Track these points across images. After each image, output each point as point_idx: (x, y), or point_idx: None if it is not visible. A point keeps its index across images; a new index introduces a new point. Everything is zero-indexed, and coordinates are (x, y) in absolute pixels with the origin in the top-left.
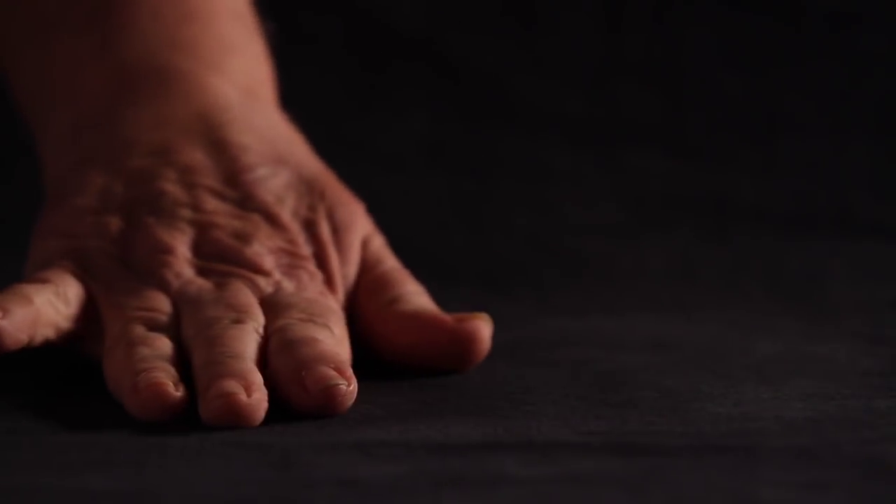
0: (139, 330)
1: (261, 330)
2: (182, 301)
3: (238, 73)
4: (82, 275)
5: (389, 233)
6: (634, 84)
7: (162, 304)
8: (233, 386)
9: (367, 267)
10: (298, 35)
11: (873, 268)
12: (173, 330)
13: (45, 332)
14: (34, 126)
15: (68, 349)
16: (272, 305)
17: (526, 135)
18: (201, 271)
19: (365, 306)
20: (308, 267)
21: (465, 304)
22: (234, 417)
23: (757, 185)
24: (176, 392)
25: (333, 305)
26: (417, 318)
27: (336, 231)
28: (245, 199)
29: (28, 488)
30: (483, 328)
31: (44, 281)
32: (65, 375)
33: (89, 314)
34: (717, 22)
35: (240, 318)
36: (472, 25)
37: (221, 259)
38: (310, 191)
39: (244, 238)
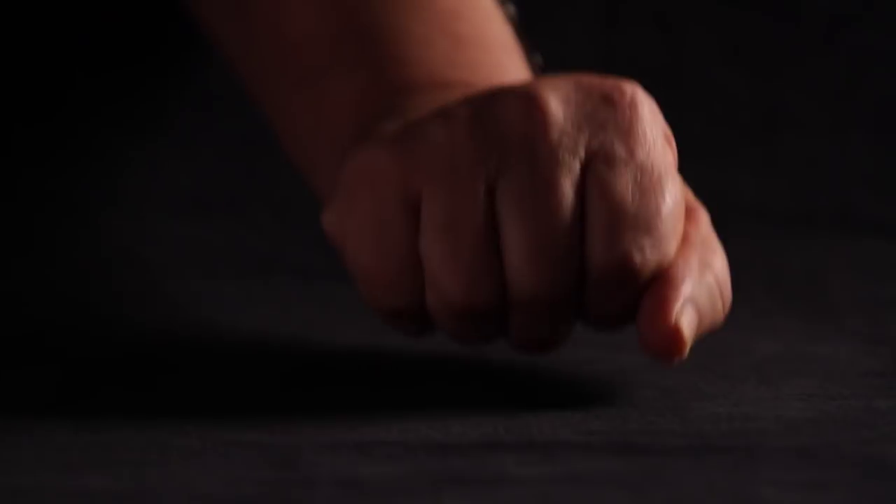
0: None
1: None
2: None
3: None
4: None
5: None
6: None
7: None
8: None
9: None
10: None
11: (874, 266)
12: None
13: None
14: (307, 167)
15: (70, 350)
16: None
17: None
18: None
19: None
20: None
21: None
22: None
23: (757, 183)
24: None
25: None
26: None
27: None
28: None
29: (28, 488)
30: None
31: None
32: (65, 376)
33: None
34: (716, 21)
35: None
36: None
37: None
38: None
39: None
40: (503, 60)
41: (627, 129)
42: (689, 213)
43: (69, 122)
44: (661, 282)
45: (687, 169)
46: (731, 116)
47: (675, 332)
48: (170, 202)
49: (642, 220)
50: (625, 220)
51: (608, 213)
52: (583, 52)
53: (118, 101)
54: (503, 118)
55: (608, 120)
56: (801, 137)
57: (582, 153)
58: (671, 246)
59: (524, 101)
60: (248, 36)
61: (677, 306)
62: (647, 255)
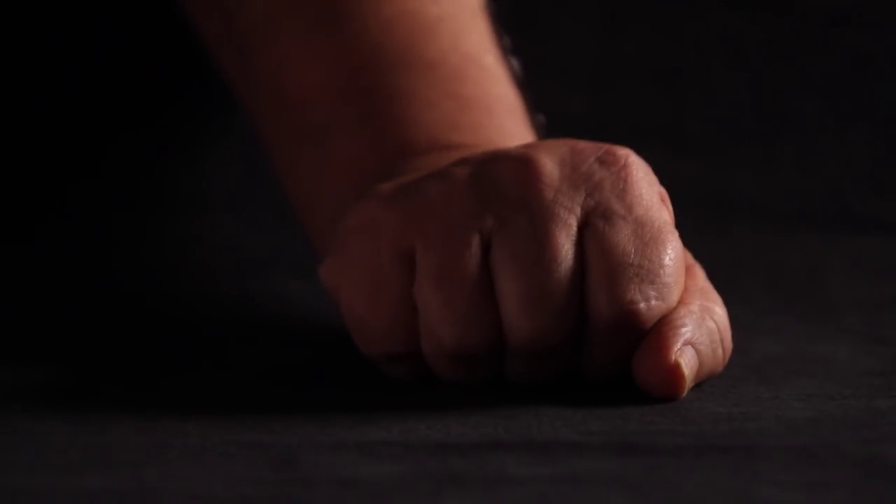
0: None
1: None
2: None
3: None
4: None
5: None
6: (634, 83)
7: None
8: None
9: None
10: None
11: (873, 264)
12: None
13: None
14: (310, 222)
15: (70, 350)
16: None
17: None
18: None
19: None
20: None
21: None
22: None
23: (756, 182)
24: None
25: None
26: None
27: None
28: None
29: (28, 488)
30: None
31: None
32: (65, 376)
33: None
34: (716, 19)
35: None
36: None
37: None
38: None
39: None
40: (506, 123)
41: (623, 188)
42: (687, 269)
43: (69, 123)
44: (661, 323)
45: (687, 169)
46: (731, 114)
47: (675, 369)
48: (170, 202)
49: (645, 271)
50: (627, 270)
51: (609, 264)
52: (583, 52)
53: (119, 102)
54: (499, 179)
55: (604, 180)
56: (800, 135)
57: (578, 211)
58: (674, 295)
59: (520, 162)
60: (254, 87)
61: (677, 345)
62: (653, 304)
